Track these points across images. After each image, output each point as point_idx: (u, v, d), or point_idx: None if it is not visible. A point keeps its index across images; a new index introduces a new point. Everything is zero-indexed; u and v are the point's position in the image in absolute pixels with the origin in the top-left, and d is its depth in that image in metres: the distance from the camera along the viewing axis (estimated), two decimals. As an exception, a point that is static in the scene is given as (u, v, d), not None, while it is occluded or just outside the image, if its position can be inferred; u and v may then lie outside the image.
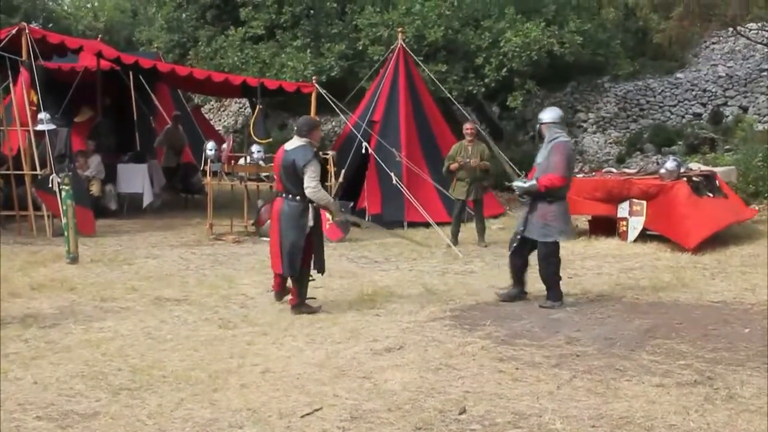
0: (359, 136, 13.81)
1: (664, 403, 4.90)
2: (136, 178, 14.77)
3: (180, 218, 14.17)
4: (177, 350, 6.26)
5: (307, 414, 4.84)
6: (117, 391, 5.25)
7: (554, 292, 7.77)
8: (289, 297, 7.64)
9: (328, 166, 12.79)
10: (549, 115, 7.87)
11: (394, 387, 5.34)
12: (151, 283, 8.82)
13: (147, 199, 14.75)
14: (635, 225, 11.18)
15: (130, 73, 15.76)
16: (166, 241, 11.93)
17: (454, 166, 11.64)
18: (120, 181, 14.72)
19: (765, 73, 19.76)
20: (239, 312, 7.65)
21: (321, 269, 7.63)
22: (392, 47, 15.21)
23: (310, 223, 7.38)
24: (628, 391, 5.15)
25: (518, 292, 8.04)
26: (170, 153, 16.08)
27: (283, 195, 7.44)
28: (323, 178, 7.85)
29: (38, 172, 11.92)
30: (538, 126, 7.95)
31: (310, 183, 7.24)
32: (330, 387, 5.35)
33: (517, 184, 8.00)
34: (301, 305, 7.51)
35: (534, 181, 7.75)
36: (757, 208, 13.37)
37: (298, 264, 7.42)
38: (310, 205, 7.35)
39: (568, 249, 11.10)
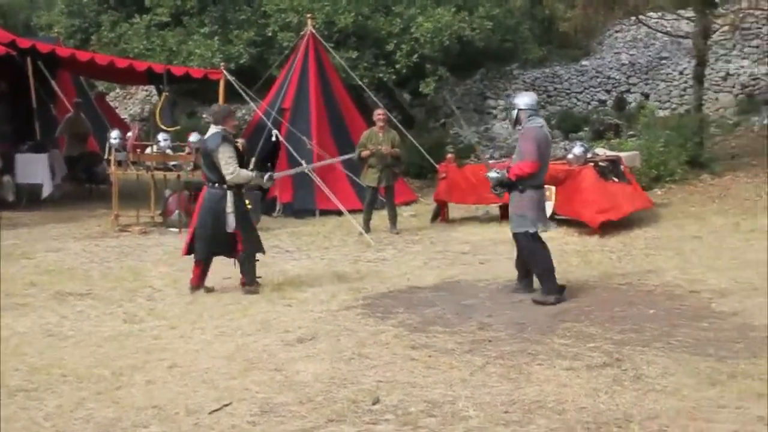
0: (269, 123, 13.60)
1: (575, 385, 4.95)
2: (36, 168, 14.15)
3: (83, 209, 13.67)
4: (79, 347, 6.02)
5: (216, 410, 4.70)
6: (13, 392, 5.00)
7: (546, 285, 7.29)
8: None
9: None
10: (524, 100, 7.48)
11: (306, 378, 5.25)
12: (51, 278, 8.47)
13: (47, 190, 14.16)
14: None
15: (28, 58, 15.10)
16: (68, 233, 11.48)
17: (365, 153, 11.57)
18: (18, 172, 14.09)
19: (665, 61, 20.36)
20: (146, 305, 7.42)
21: (258, 249, 7.88)
22: (302, 33, 15.02)
23: (229, 209, 7.54)
24: (539, 375, 5.18)
25: (523, 286, 7.69)
26: (73, 142, 15.50)
27: (206, 183, 7.76)
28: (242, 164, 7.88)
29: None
30: (515, 112, 7.48)
31: (227, 169, 7.48)
32: (240, 381, 5.22)
33: (491, 175, 7.64)
34: (251, 284, 7.77)
35: (505, 171, 7.49)
36: (659, 191, 13.78)
37: (204, 248, 7.74)
38: (228, 191, 7.56)
39: (479, 235, 11.25)
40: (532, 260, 7.45)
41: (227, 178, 7.50)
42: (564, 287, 7.37)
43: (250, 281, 7.80)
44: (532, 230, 7.35)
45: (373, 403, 4.79)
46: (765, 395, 4.65)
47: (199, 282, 7.84)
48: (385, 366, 5.49)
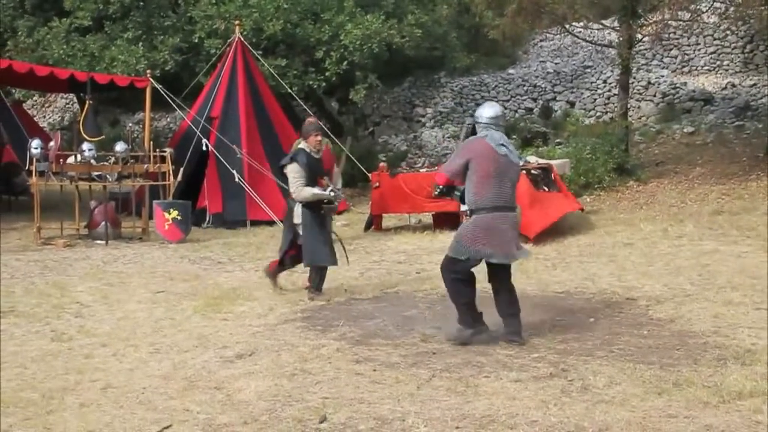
0: (198, 132, 13.32)
1: (524, 398, 4.90)
2: (-50, 180, 13.57)
3: (2, 222, 13.13)
4: (3, 369, 5.70)
5: (156, 433, 4.49)
6: (-66, 421, 4.69)
7: (460, 318, 6.38)
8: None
9: (166, 164, 12.25)
10: (480, 112, 6.52)
11: (249, 397, 5.07)
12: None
13: (-37, 203, 13.59)
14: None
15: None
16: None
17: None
18: (-69, 183, 13.48)
19: (589, 70, 20.76)
20: (74, 322, 7.11)
21: (319, 261, 7.95)
22: (229, 41, 14.81)
23: (296, 220, 7.89)
24: (487, 388, 5.11)
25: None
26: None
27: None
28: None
29: None
30: (472, 125, 6.82)
31: (291, 186, 7.86)
32: (179, 401, 5.01)
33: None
34: (312, 291, 7.97)
35: None
36: (588, 198, 14.01)
37: (283, 256, 8.18)
38: (297, 204, 7.89)
39: (413, 244, 11.21)
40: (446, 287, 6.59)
41: (292, 194, 7.91)
42: (481, 320, 6.38)
43: (313, 288, 7.97)
44: (451, 254, 6.42)
45: (321, 422, 4.64)
46: (711, 404, 4.68)
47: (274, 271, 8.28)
48: (329, 382, 5.35)
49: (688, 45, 20.88)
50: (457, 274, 6.37)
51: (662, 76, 20.04)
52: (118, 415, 4.79)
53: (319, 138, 8.03)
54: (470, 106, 21.12)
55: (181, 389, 5.23)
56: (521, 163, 11.47)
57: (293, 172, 7.81)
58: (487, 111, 6.49)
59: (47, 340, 6.52)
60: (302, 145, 7.98)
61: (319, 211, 7.88)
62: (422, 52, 19.04)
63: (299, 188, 7.78)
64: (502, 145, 6.27)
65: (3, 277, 9.06)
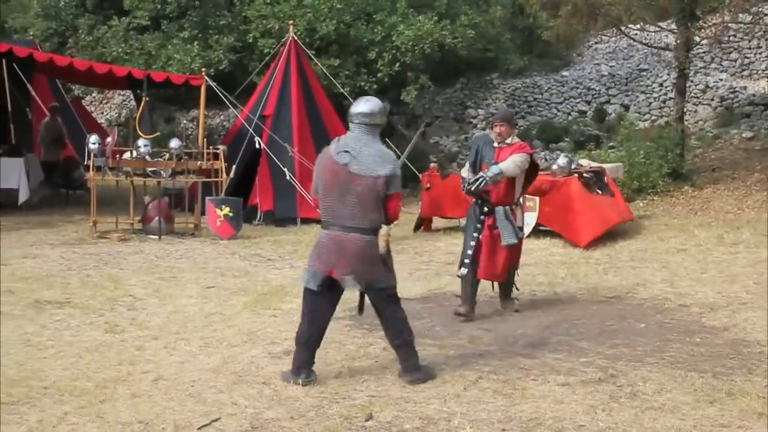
0: (251, 130, 13.45)
1: (571, 402, 4.86)
2: (12, 173, 13.88)
3: (60, 215, 13.44)
4: (59, 358, 5.83)
5: (205, 425, 4.56)
6: (-8, 406, 4.81)
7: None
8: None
9: (219, 162, 12.40)
10: (356, 107, 5.33)
11: (296, 393, 5.11)
12: (29, 285, 8.25)
13: (23, 196, 13.89)
14: (528, 221, 11.17)
15: (3, 61, 14.84)
16: (45, 239, 11.25)
17: None
18: (-7, 177, 13.82)
19: (645, 73, 20.46)
20: (127, 315, 7.24)
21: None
22: (283, 40, 14.91)
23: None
24: (534, 391, 5.09)
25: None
26: (49, 147, 15.26)
27: None
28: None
29: None
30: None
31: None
32: (228, 394, 5.08)
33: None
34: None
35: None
36: (641, 203, 13.80)
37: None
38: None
39: (462, 245, 11.13)
40: None
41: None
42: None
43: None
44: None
45: (367, 420, 4.67)
46: (765, 414, 4.59)
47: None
48: (376, 380, 5.37)
49: (749, 48, 20.46)
50: (303, 305, 5.47)
51: (721, 80, 19.66)
52: (168, 406, 4.86)
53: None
54: (522, 108, 21.00)
55: (230, 383, 5.29)
56: (573, 167, 11.55)
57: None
58: (357, 107, 5.30)
59: (101, 331, 6.64)
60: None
61: None
62: (475, 53, 18.99)
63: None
64: (346, 152, 5.17)
65: (60, 268, 9.27)
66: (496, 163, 6.96)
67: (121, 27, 17.69)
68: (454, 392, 5.10)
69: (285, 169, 12.20)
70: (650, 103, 19.95)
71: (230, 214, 11.78)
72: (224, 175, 12.48)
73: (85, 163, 12.50)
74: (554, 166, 11.48)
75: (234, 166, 13.27)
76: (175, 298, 7.89)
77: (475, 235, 7.14)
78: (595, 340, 6.32)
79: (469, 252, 7.14)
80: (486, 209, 7.13)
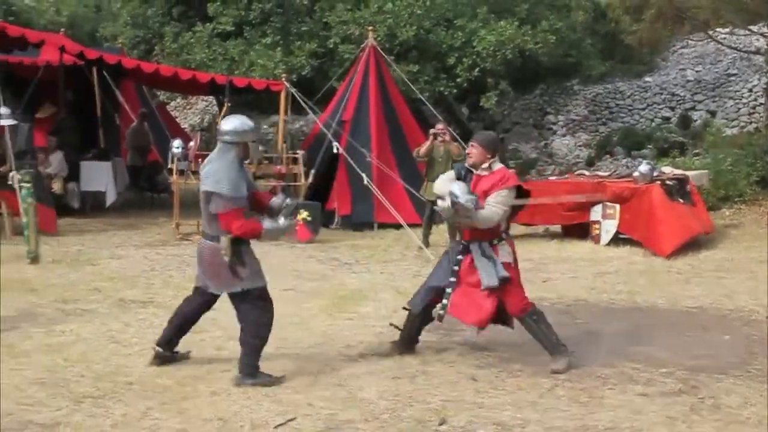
0: (329, 135, 13.59)
1: (650, 413, 4.76)
2: (100, 176, 14.35)
3: (145, 218, 13.84)
4: (142, 355, 6.00)
5: (281, 424, 4.63)
6: (79, 399, 4.99)
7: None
8: None
9: (297, 166, 12.58)
10: (225, 125, 5.54)
11: (371, 395, 5.15)
12: (115, 284, 8.53)
13: (110, 198, 14.36)
14: (608, 228, 11.09)
15: (94, 68, 15.38)
16: (130, 241, 11.61)
17: (424, 150, 11.25)
18: (83, 179, 14.31)
19: (733, 78, 19.87)
20: (207, 315, 7.30)
21: None
22: (363, 46, 15.01)
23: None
24: (612, 401, 5.00)
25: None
26: (135, 151, 15.72)
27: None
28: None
29: (-2, 168, 11.55)
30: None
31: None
32: (303, 395, 5.14)
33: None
34: None
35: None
36: (727, 212, 13.42)
37: None
38: None
39: (540, 252, 11.04)
40: None
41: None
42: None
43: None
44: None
45: (440, 424, 4.67)
46: None
47: None
48: (450, 385, 5.37)
49: (843, 52, 19.66)
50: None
51: (813, 86, 18.94)
52: (245, 405, 4.96)
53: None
54: (604, 114, 20.66)
55: (306, 385, 5.36)
56: (655, 174, 11.28)
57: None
58: (226, 125, 5.52)
59: (182, 330, 6.80)
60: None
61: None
62: (555, 59, 18.79)
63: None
64: (207, 164, 5.52)
65: (143, 269, 9.54)
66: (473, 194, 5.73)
67: (205, 33, 18.10)
68: (529, 399, 5.06)
69: (363, 174, 12.27)
70: (739, 109, 19.36)
71: (308, 219, 11.92)
72: (303, 179, 12.63)
73: (169, 166, 12.85)
74: (635, 173, 11.26)
75: (312, 171, 13.45)
76: (253, 299, 8.01)
77: (451, 278, 5.88)
78: (676, 350, 6.17)
79: (447, 290, 5.86)
80: (461, 246, 5.93)
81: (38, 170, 12.23)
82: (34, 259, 9.55)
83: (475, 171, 5.90)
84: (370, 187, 12.35)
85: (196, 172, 12.52)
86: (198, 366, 5.75)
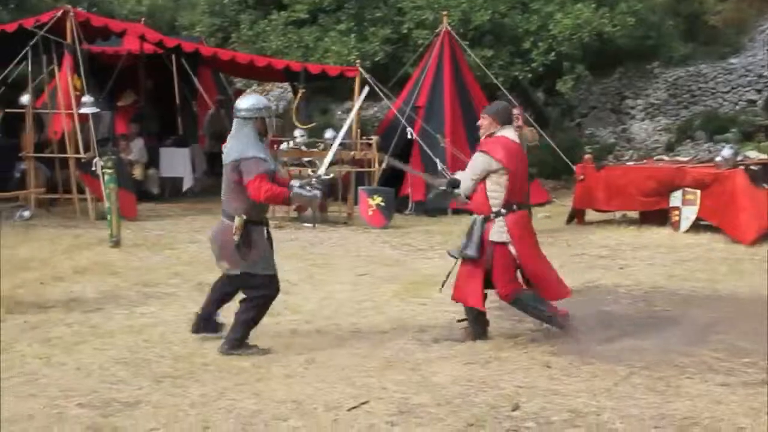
0: (403, 121, 13.59)
1: (731, 403, 4.64)
2: (178, 162, 14.71)
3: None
4: (219, 337, 6.11)
5: (354, 407, 4.66)
6: (159, 379, 5.13)
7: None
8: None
9: (372, 152, 12.62)
10: (242, 103, 5.88)
11: (443, 380, 5.15)
12: (193, 268, 8.71)
13: (187, 183, 14.70)
14: (688, 215, 10.83)
15: (173, 56, 15.70)
16: (207, 225, 11.70)
17: None
18: (162, 166, 14.66)
19: (824, 59, 19.10)
20: (281, 299, 7.39)
21: None
22: (437, 31, 14.95)
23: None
24: (690, 390, 4.89)
25: None
26: (213, 138, 16.00)
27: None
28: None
29: (82, 155, 11.92)
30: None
31: None
32: (377, 379, 5.18)
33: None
34: None
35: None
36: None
37: None
38: None
39: (617, 239, 10.85)
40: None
41: None
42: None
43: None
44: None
45: (513, 410, 4.64)
46: None
47: None
48: (524, 371, 5.33)
49: None
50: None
51: None
52: (319, 387, 5.01)
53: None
54: (685, 97, 20.07)
55: (379, 368, 5.39)
56: (739, 159, 10.94)
57: None
58: (243, 102, 5.86)
59: (258, 313, 6.92)
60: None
61: None
62: (635, 42, 18.35)
63: None
64: (228, 142, 5.85)
65: (221, 253, 9.71)
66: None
67: (281, 21, 18.25)
68: (604, 386, 4.99)
69: (437, 160, 12.24)
70: (828, 91, 18.61)
71: (382, 204, 11.97)
72: (377, 165, 12.68)
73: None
74: (718, 158, 10.95)
75: (387, 157, 13.46)
76: (327, 284, 8.11)
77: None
78: (759, 340, 5.97)
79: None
80: None
81: (120, 157, 12.58)
82: (116, 243, 9.84)
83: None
84: (444, 172, 12.30)
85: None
86: (273, 349, 5.83)
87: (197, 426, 4.36)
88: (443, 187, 6.37)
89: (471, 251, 5.86)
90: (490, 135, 6.05)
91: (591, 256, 9.74)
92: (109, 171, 10.28)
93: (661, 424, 4.38)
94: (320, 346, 5.91)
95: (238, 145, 5.63)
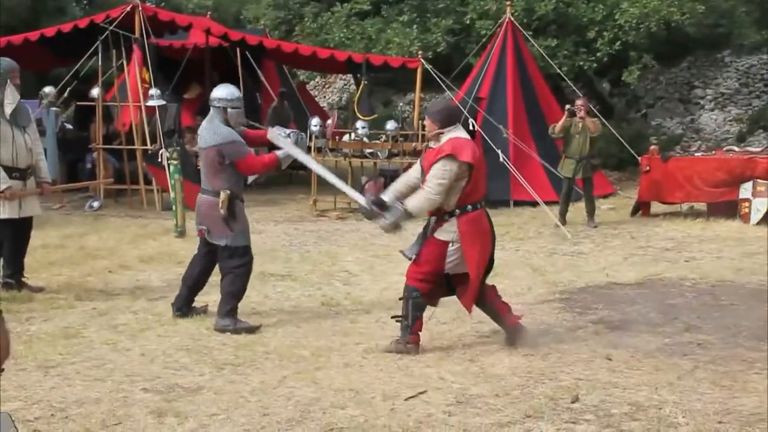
0: (465, 112, 13.50)
1: (799, 399, 4.51)
2: (243, 154, 14.86)
3: (284, 194, 14.24)
4: (280, 326, 6.20)
5: (412, 397, 4.67)
6: (221, 366, 5.21)
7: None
8: None
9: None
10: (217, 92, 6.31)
11: (502, 371, 5.12)
12: (255, 258, 8.76)
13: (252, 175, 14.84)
14: (759, 207, 10.56)
15: (237, 49, 15.91)
16: (269, 216, 11.98)
17: (559, 127, 11.06)
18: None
19: None
20: (342, 289, 7.55)
21: None
22: (500, 21, 14.82)
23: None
24: (757, 386, 4.76)
25: None
26: (276, 129, 16.18)
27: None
28: None
29: (149, 147, 12.17)
30: None
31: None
32: (435, 369, 5.17)
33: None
34: None
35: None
36: None
37: None
38: None
39: (683, 231, 10.61)
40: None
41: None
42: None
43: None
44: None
45: (573, 402, 4.58)
46: None
47: None
48: (584, 363, 5.26)
49: None
50: None
51: None
52: (377, 377, 5.03)
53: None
54: (757, 87, 19.53)
55: (437, 359, 5.39)
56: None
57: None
58: (215, 92, 6.36)
59: (318, 303, 6.99)
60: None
61: None
62: (704, 30, 17.92)
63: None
64: (201, 129, 6.35)
65: (282, 244, 9.84)
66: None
67: (344, 13, 18.34)
68: (666, 380, 4.89)
69: (499, 151, 12.15)
70: None
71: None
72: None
73: (307, 144, 13.13)
74: (791, 150, 10.63)
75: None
76: (387, 275, 8.12)
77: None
78: (831, 336, 5.80)
79: None
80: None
81: (185, 149, 12.80)
82: (181, 233, 10.03)
83: (431, 145, 5.78)
84: (505, 164, 12.22)
85: (333, 150, 12.81)
86: (332, 338, 5.88)
87: (257, 412, 4.42)
88: (365, 205, 5.96)
89: (409, 252, 5.76)
90: (437, 137, 5.57)
91: (656, 249, 9.56)
92: (175, 162, 10.48)
93: (725, 420, 4.28)
94: (379, 336, 5.92)
95: (209, 130, 6.17)
